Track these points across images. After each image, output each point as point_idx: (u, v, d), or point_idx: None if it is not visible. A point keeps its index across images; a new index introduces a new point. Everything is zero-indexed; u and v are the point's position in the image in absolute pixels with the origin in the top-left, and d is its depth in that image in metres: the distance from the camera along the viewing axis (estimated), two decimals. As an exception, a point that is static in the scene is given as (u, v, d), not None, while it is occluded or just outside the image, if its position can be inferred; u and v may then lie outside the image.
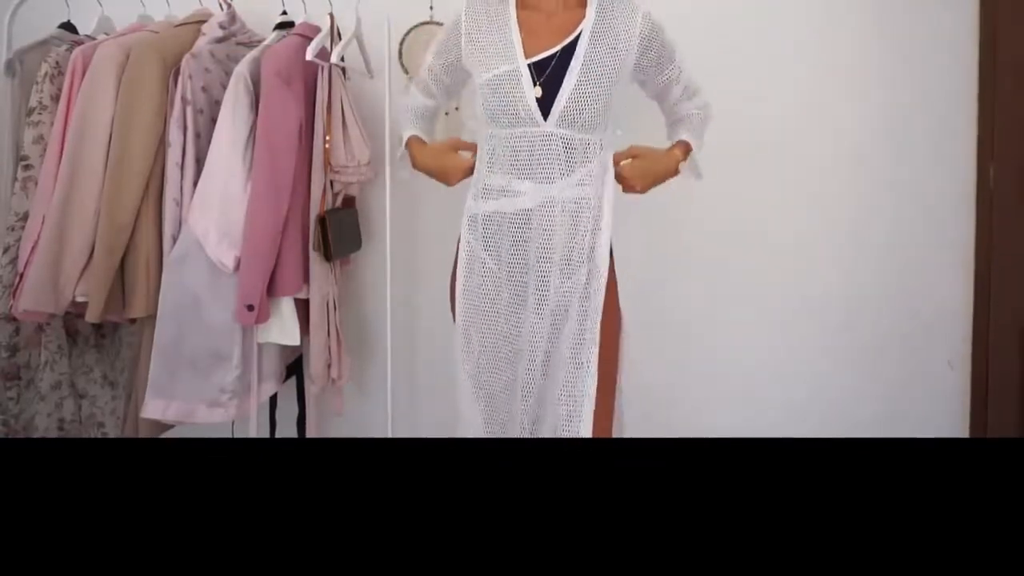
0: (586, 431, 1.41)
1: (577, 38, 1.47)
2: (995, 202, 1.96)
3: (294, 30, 1.85)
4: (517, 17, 1.51)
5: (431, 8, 2.10)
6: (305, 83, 1.78)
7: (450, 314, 1.61)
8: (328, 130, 1.81)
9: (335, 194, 1.87)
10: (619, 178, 1.52)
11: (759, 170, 2.08)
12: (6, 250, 1.75)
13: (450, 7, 2.05)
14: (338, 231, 1.84)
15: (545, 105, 1.44)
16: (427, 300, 2.23)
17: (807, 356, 2.12)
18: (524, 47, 1.47)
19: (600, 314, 1.45)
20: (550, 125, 1.44)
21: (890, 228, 2.07)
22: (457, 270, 1.56)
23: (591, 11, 1.49)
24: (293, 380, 2.02)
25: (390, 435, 1.98)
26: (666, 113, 1.64)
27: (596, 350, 1.44)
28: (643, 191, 1.54)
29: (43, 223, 1.69)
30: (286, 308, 1.79)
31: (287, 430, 2.05)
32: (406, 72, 2.11)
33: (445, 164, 1.58)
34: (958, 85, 2.00)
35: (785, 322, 2.12)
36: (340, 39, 1.86)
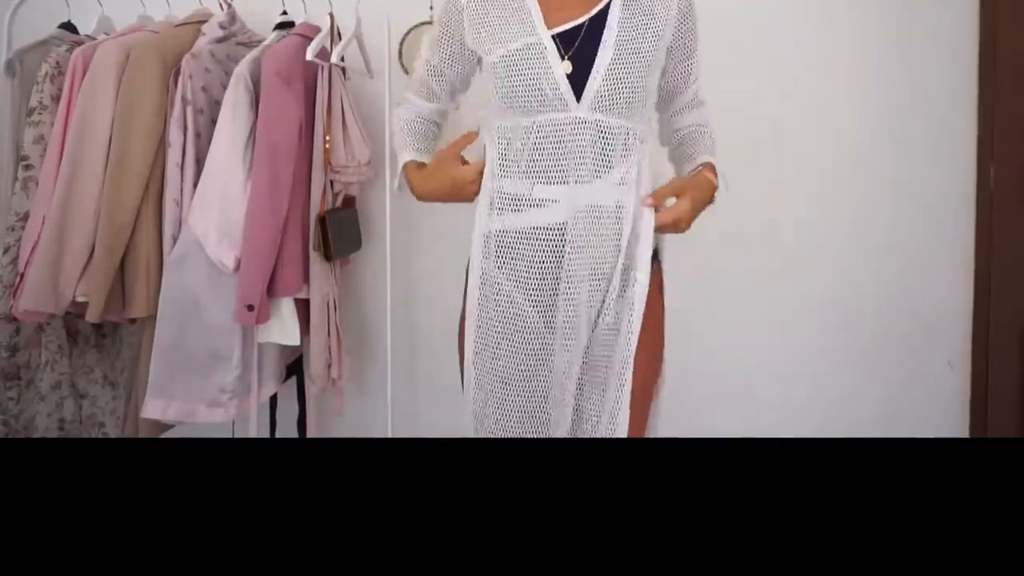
0: None
1: (607, 6, 1.24)
2: (995, 202, 1.96)
3: (294, 30, 1.84)
4: None
5: (431, 8, 2.10)
6: (305, 83, 1.78)
7: (453, 313, 1.55)
8: (328, 130, 1.81)
9: (335, 194, 1.87)
10: (664, 226, 1.28)
11: (759, 170, 2.08)
12: (6, 250, 1.75)
13: (450, 7, 2.06)
14: (338, 231, 1.84)
15: (576, 85, 1.21)
16: (427, 300, 2.23)
17: (807, 356, 2.12)
18: (545, 18, 1.24)
19: (636, 336, 1.25)
20: (583, 109, 1.21)
21: (890, 228, 2.07)
22: (467, 302, 1.33)
23: None
24: (293, 380, 2.02)
25: (390, 435, 1.99)
26: (666, 123, 1.45)
27: (630, 377, 1.25)
28: (685, 230, 1.31)
29: (43, 223, 1.69)
30: (286, 308, 1.79)
31: (287, 430, 2.04)
32: (406, 72, 2.11)
33: (454, 177, 1.30)
34: (958, 85, 2.00)
35: (785, 322, 2.12)
36: (340, 39, 1.86)
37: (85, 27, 1.99)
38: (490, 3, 1.29)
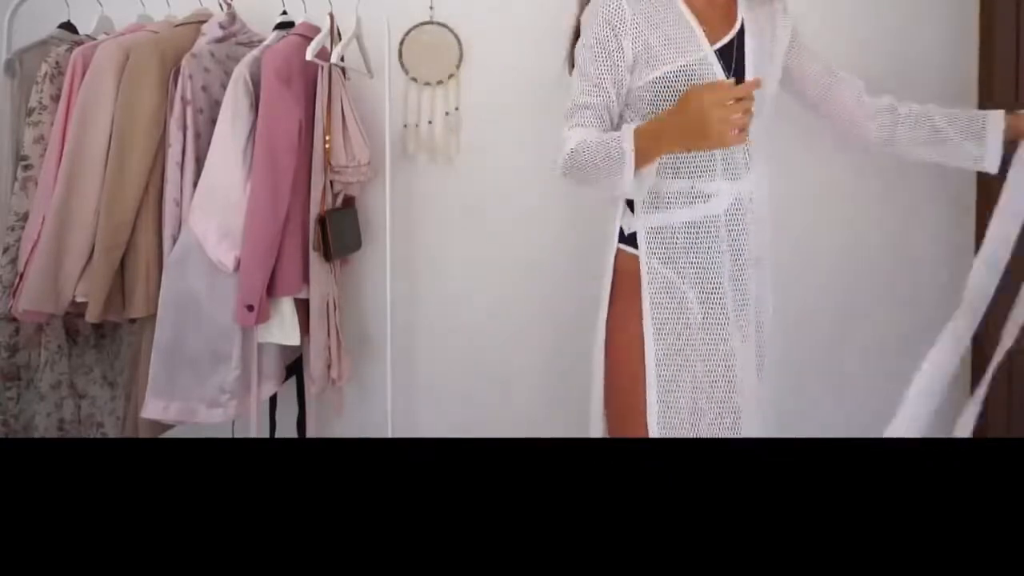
0: None
1: (742, 23, 1.39)
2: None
3: (294, 30, 1.85)
4: (686, 4, 1.38)
5: (431, 8, 2.10)
6: (305, 83, 1.78)
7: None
8: (328, 130, 1.81)
9: (335, 194, 1.87)
10: None
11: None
12: (6, 250, 1.75)
13: (450, 7, 2.06)
14: (338, 231, 1.84)
15: None
16: (427, 300, 2.22)
17: (805, 356, 2.12)
18: (706, 33, 1.36)
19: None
20: None
21: (890, 228, 2.07)
22: (619, 303, 1.42)
23: None
24: (293, 380, 2.02)
25: (390, 435, 1.98)
26: (852, 116, 1.63)
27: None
28: None
29: (43, 223, 1.69)
30: (286, 308, 1.79)
31: (287, 430, 2.04)
32: (406, 72, 2.11)
33: (706, 112, 1.15)
34: (958, 84, 1.99)
35: (783, 322, 2.12)
36: (340, 39, 1.86)
37: (85, 27, 1.99)
38: (651, 25, 1.33)
